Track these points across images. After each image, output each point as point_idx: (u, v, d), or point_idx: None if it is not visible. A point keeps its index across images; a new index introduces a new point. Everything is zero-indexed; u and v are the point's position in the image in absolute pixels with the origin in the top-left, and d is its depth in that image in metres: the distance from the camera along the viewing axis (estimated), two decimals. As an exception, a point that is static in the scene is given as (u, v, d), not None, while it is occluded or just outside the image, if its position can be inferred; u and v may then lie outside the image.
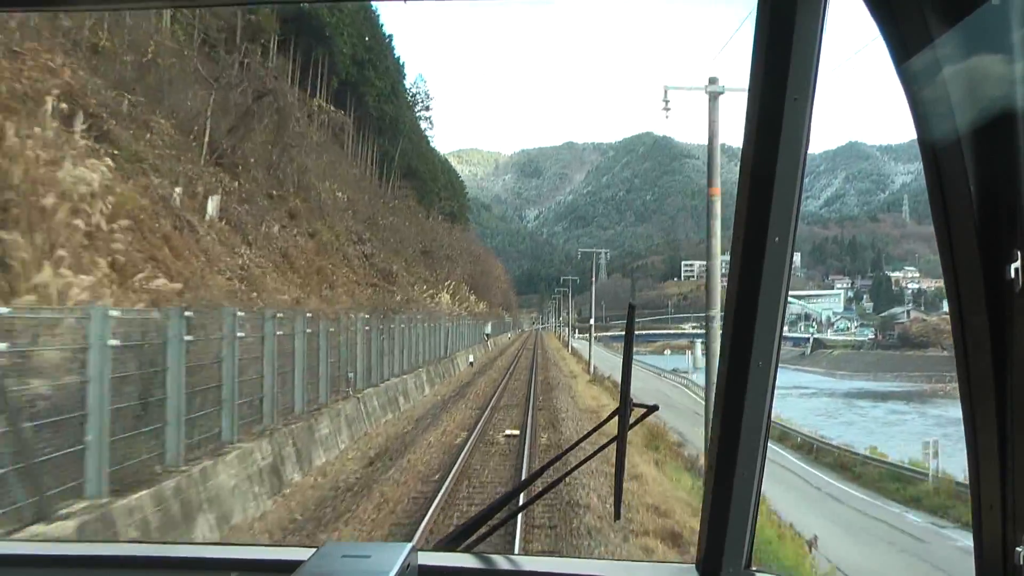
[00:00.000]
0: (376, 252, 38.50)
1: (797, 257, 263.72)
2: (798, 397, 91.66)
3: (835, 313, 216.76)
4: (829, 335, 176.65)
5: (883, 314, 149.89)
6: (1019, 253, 1.18)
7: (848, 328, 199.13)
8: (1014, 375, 1.21)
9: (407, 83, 75.48)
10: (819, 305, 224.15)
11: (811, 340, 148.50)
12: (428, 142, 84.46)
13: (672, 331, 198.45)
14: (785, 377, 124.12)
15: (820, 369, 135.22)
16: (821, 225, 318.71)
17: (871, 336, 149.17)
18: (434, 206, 74.99)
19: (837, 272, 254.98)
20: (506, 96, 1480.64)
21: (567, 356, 70.03)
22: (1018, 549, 1.23)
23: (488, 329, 68.65)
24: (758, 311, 1.50)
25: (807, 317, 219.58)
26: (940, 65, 1.23)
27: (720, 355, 1.61)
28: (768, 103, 1.41)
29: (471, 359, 46.40)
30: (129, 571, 1.80)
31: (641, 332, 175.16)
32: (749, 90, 1.44)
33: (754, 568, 1.66)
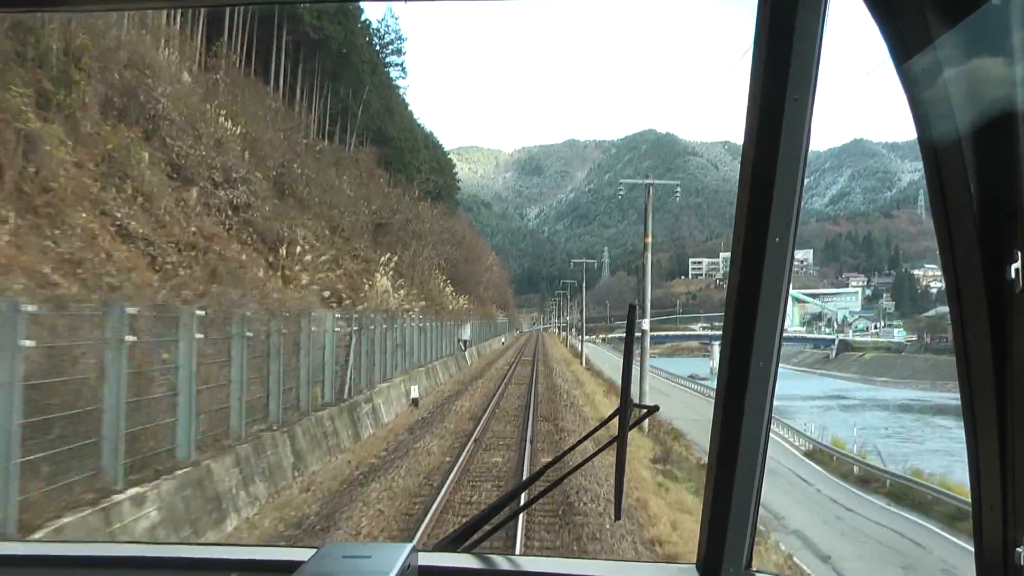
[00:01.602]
0: (260, 205, 23.29)
1: (809, 254, 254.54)
2: (841, 410, 75.78)
3: (852, 312, 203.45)
4: (851, 336, 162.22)
5: (928, 314, 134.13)
6: (1019, 253, 1.18)
7: (868, 328, 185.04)
8: (1014, 375, 1.22)
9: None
10: (835, 304, 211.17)
11: (836, 342, 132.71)
12: (401, 96, 67.05)
13: (681, 332, 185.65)
14: (812, 383, 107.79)
15: (852, 374, 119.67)
16: (832, 221, 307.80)
17: (911, 338, 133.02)
18: (412, 180, 59.37)
19: (851, 269, 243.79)
20: (507, 93, 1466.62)
21: (583, 377, 46.10)
22: (1018, 549, 1.22)
23: (465, 334, 47.63)
24: (758, 311, 1.50)
25: (821, 316, 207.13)
26: (941, 65, 1.24)
27: (720, 355, 1.60)
28: (768, 103, 1.41)
29: (415, 393, 26.04)
30: (129, 571, 1.79)
31: (653, 334, 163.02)
32: (749, 90, 1.44)
33: (754, 568, 1.64)
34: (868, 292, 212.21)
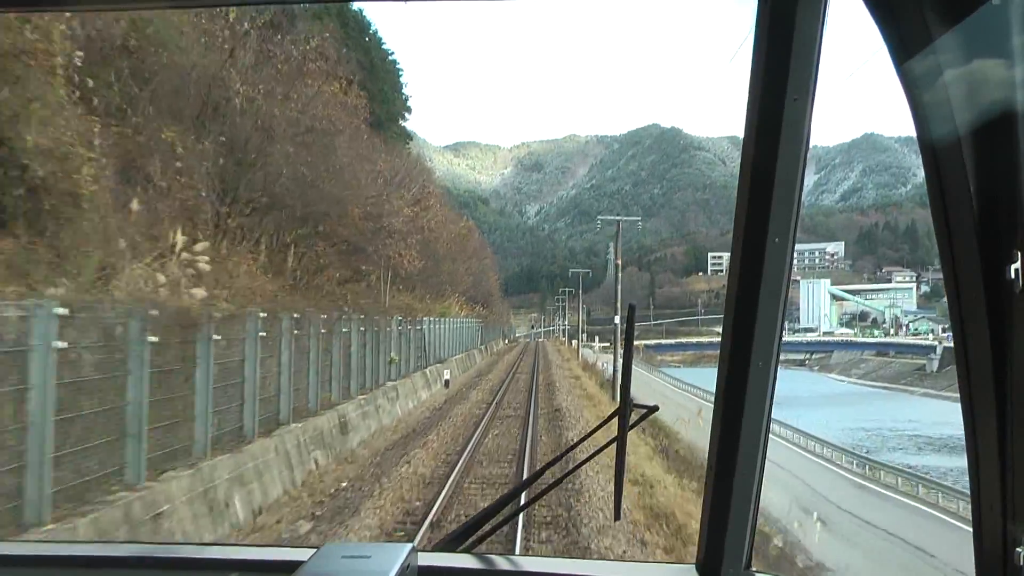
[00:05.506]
0: None
1: (840, 247, 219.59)
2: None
3: (906, 312, 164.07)
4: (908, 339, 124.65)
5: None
6: (1019, 253, 1.18)
7: (931, 331, 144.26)
8: (1014, 375, 1.22)
9: None
10: (880, 302, 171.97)
11: (939, 350, 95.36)
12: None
13: (705, 338, 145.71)
14: (927, 411, 65.57)
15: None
16: (860, 212, 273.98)
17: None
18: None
19: (892, 263, 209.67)
20: (506, 88, 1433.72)
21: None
22: (1018, 549, 1.23)
23: None
24: (758, 312, 1.49)
25: (865, 316, 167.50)
26: (940, 66, 1.25)
27: (719, 355, 1.61)
28: (768, 103, 1.41)
29: None
30: (129, 571, 1.78)
31: (667, 342, 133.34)
32: (749, 90, 1.44)
33: (754, 568, 1.65)
34: (925, 288, 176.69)
